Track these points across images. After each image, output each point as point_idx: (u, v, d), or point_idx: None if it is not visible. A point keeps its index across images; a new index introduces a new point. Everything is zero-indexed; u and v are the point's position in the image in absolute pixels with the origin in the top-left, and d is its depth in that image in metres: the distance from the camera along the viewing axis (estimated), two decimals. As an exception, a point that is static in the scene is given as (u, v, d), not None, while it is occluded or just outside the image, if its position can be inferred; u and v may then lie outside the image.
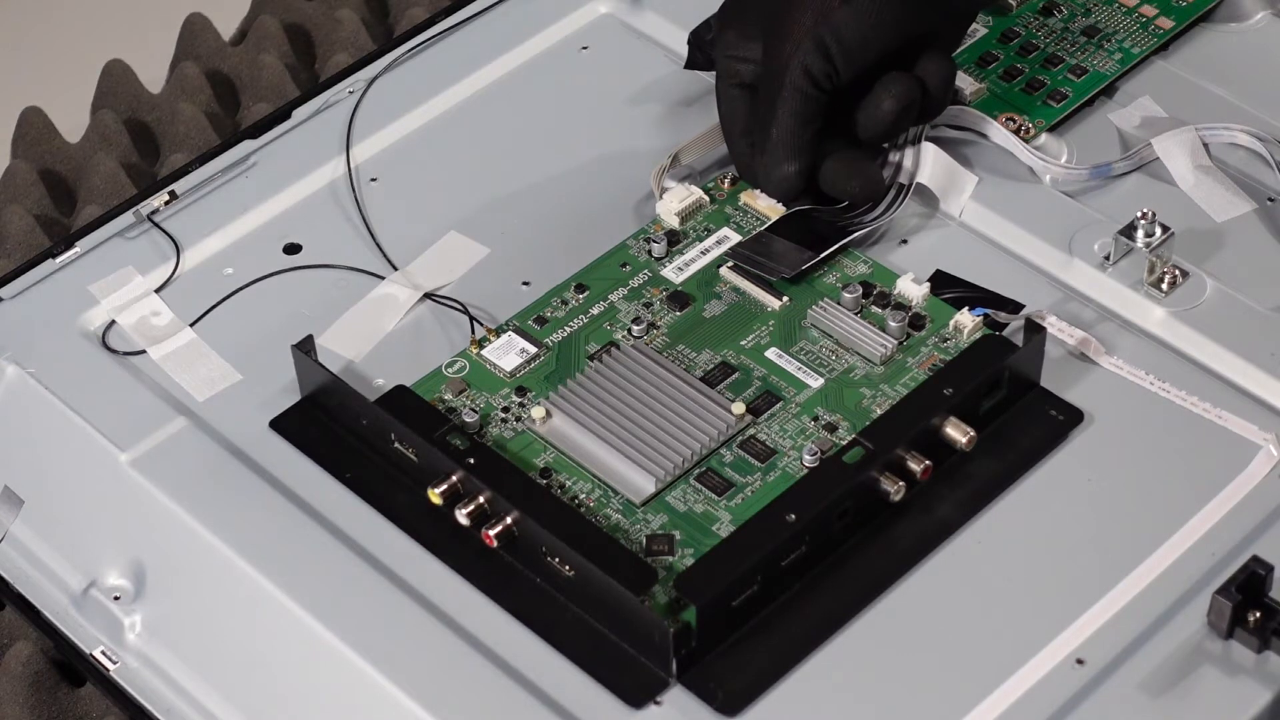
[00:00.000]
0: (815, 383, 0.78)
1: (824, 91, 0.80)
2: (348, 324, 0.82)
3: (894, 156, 0.85)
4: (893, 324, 0.79)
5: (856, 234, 0.82)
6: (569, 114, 0.90)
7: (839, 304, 0.80)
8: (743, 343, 0.80)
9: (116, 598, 0.77)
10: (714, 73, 0.87)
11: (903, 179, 0.84)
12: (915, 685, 0.71)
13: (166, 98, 1.03)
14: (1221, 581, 0.71)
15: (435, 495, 0.74)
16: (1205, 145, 0.86)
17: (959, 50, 0.90)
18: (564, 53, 0.93)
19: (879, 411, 0.77)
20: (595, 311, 0.81)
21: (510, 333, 0.80)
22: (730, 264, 0.82)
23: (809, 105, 0.80)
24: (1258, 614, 0.71)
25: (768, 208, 0.84)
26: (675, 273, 0.83)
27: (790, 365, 0.79)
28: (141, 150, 1.01)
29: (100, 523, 0.78)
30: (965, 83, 0.88)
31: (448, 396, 0.78)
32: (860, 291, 0.80)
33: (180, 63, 1.05)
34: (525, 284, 0.83)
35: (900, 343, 0.79)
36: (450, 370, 0.79)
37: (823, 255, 0.82)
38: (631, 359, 0.78)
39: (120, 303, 0.83)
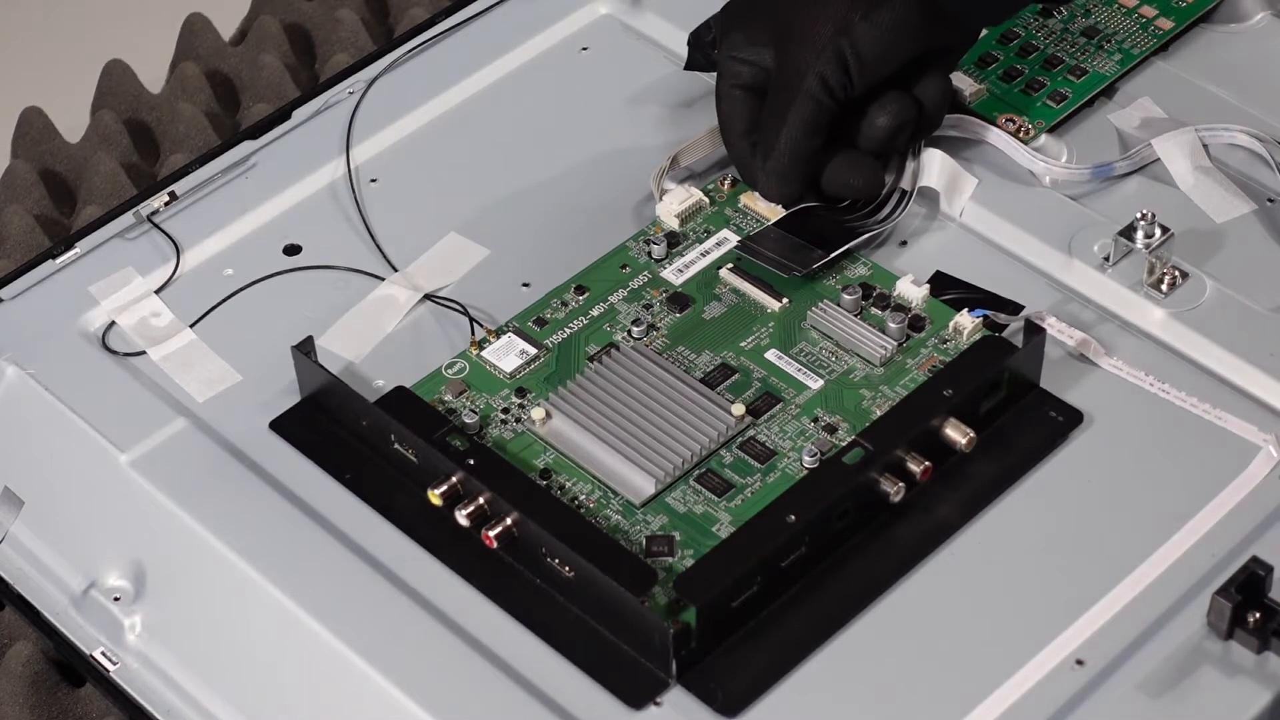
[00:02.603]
0: (815, 384, 0.78)
1: (836, 103, 0.81)
2: (348, 325, 0.82)
3: (895, 158, 0.85)
4: (892, 325, 0.79)
5: (866, 237, 0.82)
6: (569, 114, 0.90)
7: (839, 305, 0.80)
8: (742, 344, 0.80)
9: (116, 598, 0.77)
10: (714, 73, 0.87)
11: (905, 184, 0.84)
12: (915, 685, 0.71)
13: (166, 98, 1.03)
14: (1221, 582, 0.71)
15: (435, 496, 0.74)
16: (1205, 146, 0.86)
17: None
18: (564, 53, 0.93)
19: (879, 413, 0.77)
20: (595, 313, 0.81)
21: (510, 334, 0.80)
22: (730, 265, 0.82)
23: (820, 115, 0.81)
24: (1258, 614, 0.71)
25: (767, 209, 0.84)
26: (675, 274, 0.83)
27: (790, 367, 0.79)
28: (141, 150, 1.01)
29: (100, 523, 0.78)
30: (965, 83, 0.88)
31: (448, 398, 0.78)
32: (860, 293, 0.80)
33: (180, 63, 1.05)
34: (525, 285, 0.83)
35: (900, 344, 0.79)
36: (450, 371, 0.79)
37: (834, 254, 0.81)
38: (631, 360, 0.78)
39: (120, 303, 0.83)
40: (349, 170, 0.88)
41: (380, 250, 0.85)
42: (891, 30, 0.80)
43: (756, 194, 0.84)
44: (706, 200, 0.85)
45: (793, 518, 0.72)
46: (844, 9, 0.80)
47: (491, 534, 0.73)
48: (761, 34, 0.82)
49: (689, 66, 0.89)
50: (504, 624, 0.73)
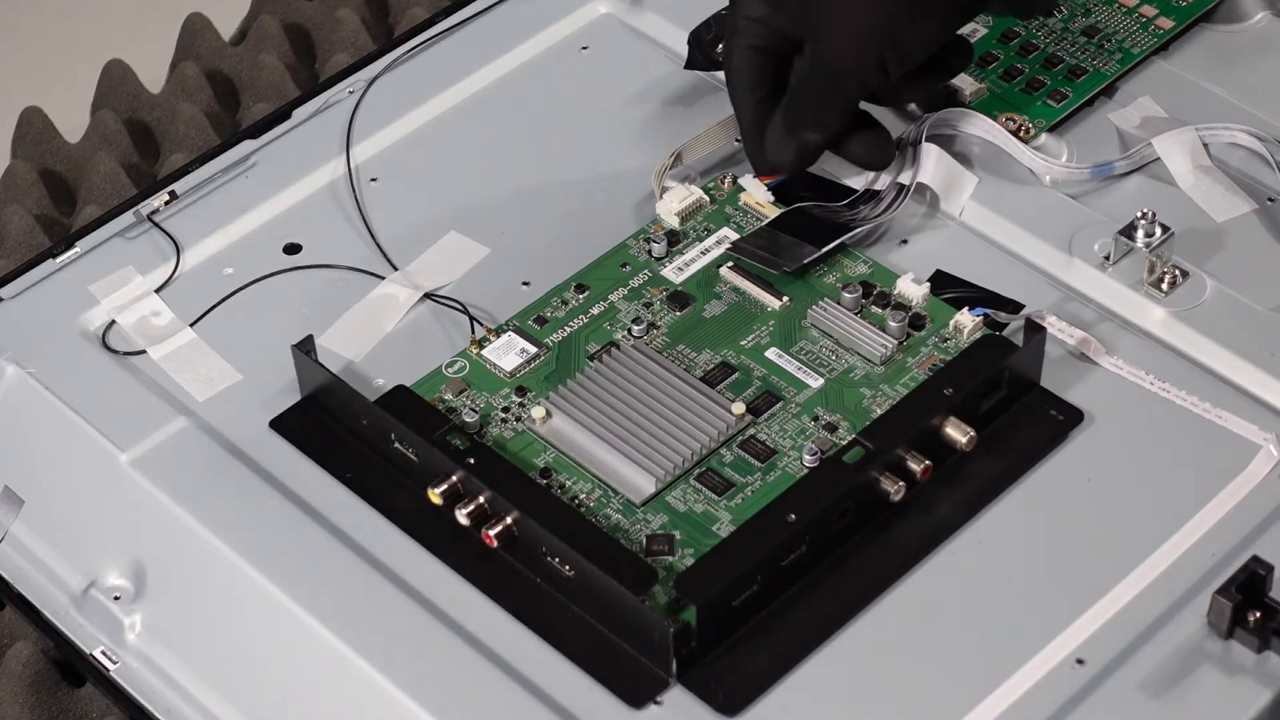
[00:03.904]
0: (815, 383, 0.78)
1: (871, 95, 0.83)
2: (348, 324, 0.82)
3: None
4: (893, 324, 0.79)
5: (858, 231, 0.82)
6: (569, 114, 0.90)
7: (839, 304, 0.80)
8: (743, 343, 0.80)
9: (116, 598, 0.77)
10: (713, 73, 0.87)
11: (903, 179, 0.84)
12: (915, 685, 0.71)
13: (166, 98, 1.03)
14: (1221, 581, 0.71)
15: (435, 495, 0.74)
16: (1205, 145, 0.86)
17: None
18: (564, 53, 0.93)
19: (879, 411, 0.77)
20: (595, 311, 0.81)
21: (510, 333, 0.80)
22: (730, 264, 0.82)
23: (851, 108, 0.82)
24: (1258, 614, 0.71)
25: (768, 207, 0.84)
26: (675, 273, 0.83)
27: (790, 365, 0.79)
28: (141, 150, 1.01)
29: (100, 523, 0.78)
30: (965, 83, 0.88)
31: (448, 396, 0.78)
32: (860, 291, 0.80)
33: (180, 63, 1.05)
34: (525, 284, 0.83)
35: (900, 343, 0.79)
36: (450, 370, 0.79)
37: (824, 250, 0.81)
38: (631, 359, 0.78)
39: (120, 303, 0.83)
40: (349, 170, 0.88)
41: (380, 249, 0.85)
42: (939, 30, 0.81)
43: (756, 189, 0.84)
44: (707, 198, 0.85)
45: (793, 517, 0.72)
46: (889, 3, 0.80)
47: (492, 533, 0.73)
48: (786, 2, 0.81)
49: (689, 66, 0.89)
50: (504, 623, 0.73)
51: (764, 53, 0.82)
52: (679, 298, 0.82)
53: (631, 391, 0.77)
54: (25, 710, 0.77)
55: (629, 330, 0.80)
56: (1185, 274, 0.82)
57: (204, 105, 1.02)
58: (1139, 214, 0.82)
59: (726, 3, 0.88)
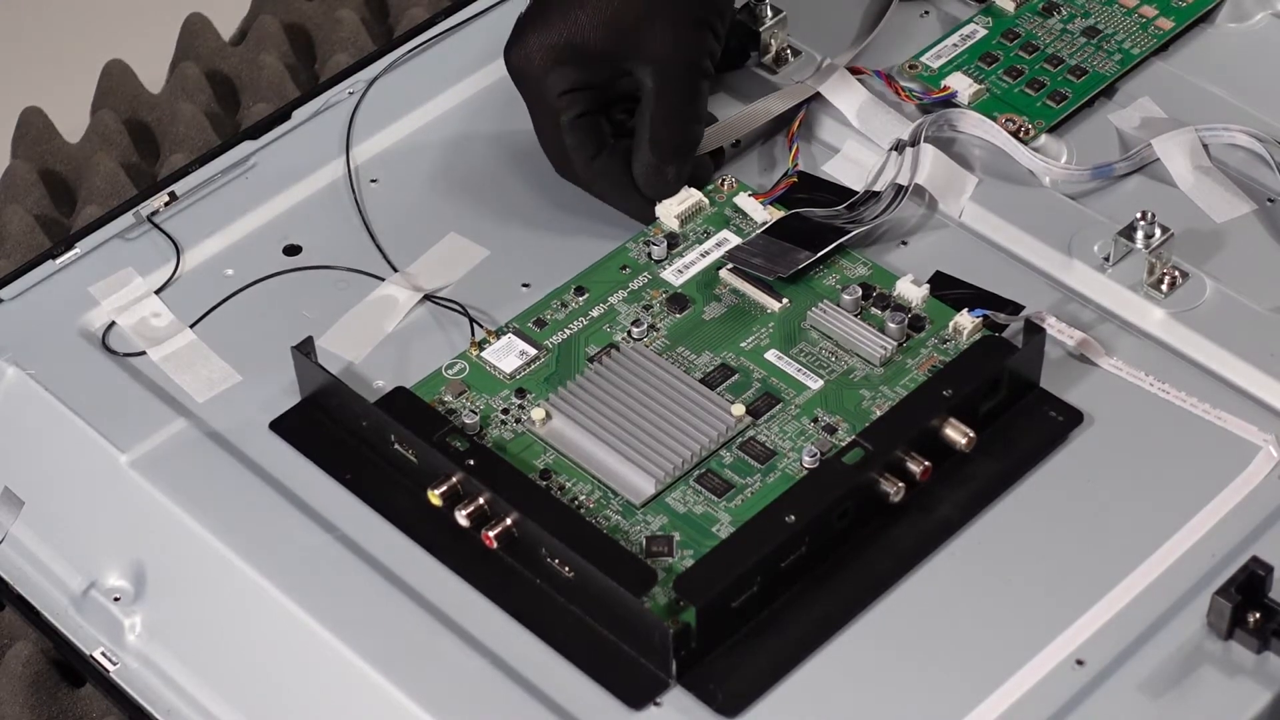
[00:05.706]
0: (815, 384, 0.78)
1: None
2: (348, 325, 0.82)
3: (893, 157, 0.85)
4: (892, 325, 0.79)
5: (855, 233, 0.82)
6: (569, 114, 0.90)
7: (838, 305, 0.80)
8: (742, 344, 0.80)
9: (116, 598, 0.77)
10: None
11: (901, 180, 0.84)
12: (915, 685, 0.71)
13: (166, 98, 1.03)
14: (1221, 582, 0.71)
15: (435, 496, 0.74)
16: (1205, 145, 0.86)
17: (960, 49, 0.90)
18: (564, 53, 0.93)
19: (879, 413, 0.77)
20: (595, 314, 0.81)
21: (510, 335, 0.80)
22: (730, 266, 0.82)
23: (707, 91, 0.84)
24: (1258, 614, 0.71)
25: (766, 210, 0.84)
26: (675, 275, 0.83)
27: (790, 367, 0.79)
28: (141, 150, 1.01)
29: (100, 523, 0.78)
30: (964, 84, 0.88)
31: (448, 398, 0.78)
32: (860, 293, 0.80)
33: (180, 63, 1.05)
34: (525, 286, 0.83)
35: (900, 344, 0.79)
36: (450, 372, 0.79)
37: (819, 255, 0.82)
38: (631, 361, 0.78)
39: (120, 304, 0.83)
40: (349, 170, 0.88)
41: (380, 250, 0.85)
42: None
43: (752, 213, 0.84)
44: (706, 201, 0.85)
45: (792, 518, 0.72)
46: None
47: (491, 534, 0.73)
48: (594, 57, 0.81)
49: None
50: (504, 624, 0.73)
51: (591, 115, 0.83)
52: (678, 300, 0.82)
53: (631, 393, 0.77)
54: (25, 710, 0.77)
55: (629, 332, 0.80)
56: (1185, 275, 0.82)
57: (204, 105, 1.02)
58: (1139, 215, 0.82)
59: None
